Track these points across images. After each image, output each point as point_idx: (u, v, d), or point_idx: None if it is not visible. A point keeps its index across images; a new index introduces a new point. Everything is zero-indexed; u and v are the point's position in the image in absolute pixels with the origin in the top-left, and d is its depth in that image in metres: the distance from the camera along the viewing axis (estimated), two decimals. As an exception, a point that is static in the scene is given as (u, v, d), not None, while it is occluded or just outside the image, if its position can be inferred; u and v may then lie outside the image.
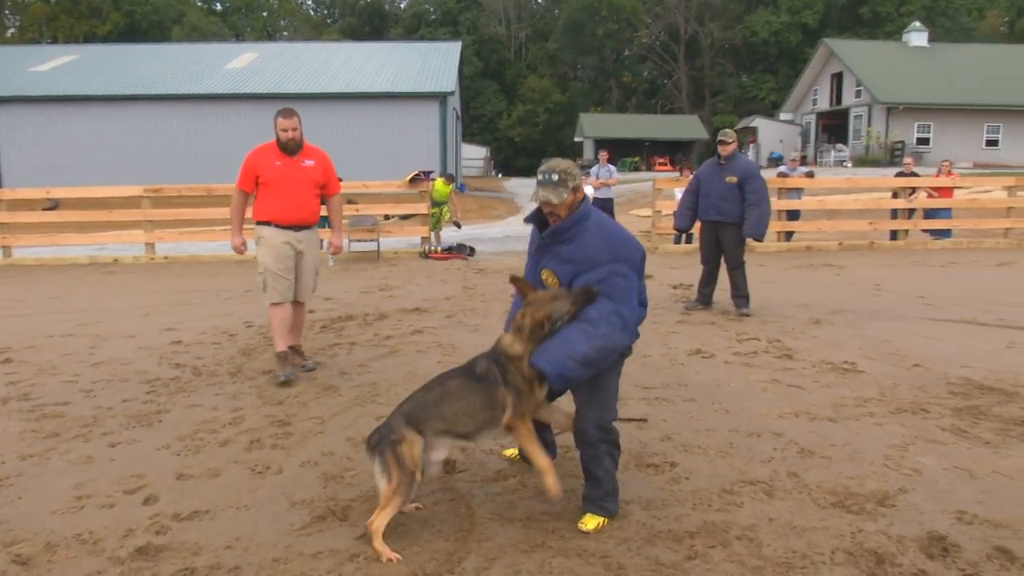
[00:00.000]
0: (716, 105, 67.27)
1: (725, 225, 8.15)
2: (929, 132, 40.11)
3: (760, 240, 8.45)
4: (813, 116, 48.01)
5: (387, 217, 16.22)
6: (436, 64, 34.79)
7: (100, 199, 15.41)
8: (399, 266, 12.96)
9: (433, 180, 15.53)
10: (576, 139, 60.07)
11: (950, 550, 3.06)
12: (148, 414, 4.98)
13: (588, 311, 3.25)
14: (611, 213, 14.07)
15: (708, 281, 8.53)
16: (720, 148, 8.13)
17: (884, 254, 13.77)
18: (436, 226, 15.31)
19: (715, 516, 3.41)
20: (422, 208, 14.70)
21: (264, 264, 5.89)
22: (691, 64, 68.97)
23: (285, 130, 5.81)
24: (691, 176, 9.01)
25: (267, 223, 5.89)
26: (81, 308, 9.07)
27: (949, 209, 15.20)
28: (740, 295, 8.22)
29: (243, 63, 35.16)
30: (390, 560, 3.04)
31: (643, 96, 71.88)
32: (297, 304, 6.12)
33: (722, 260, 8.38)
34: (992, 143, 40.36)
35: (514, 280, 3.51)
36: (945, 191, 15.00)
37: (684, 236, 13.38)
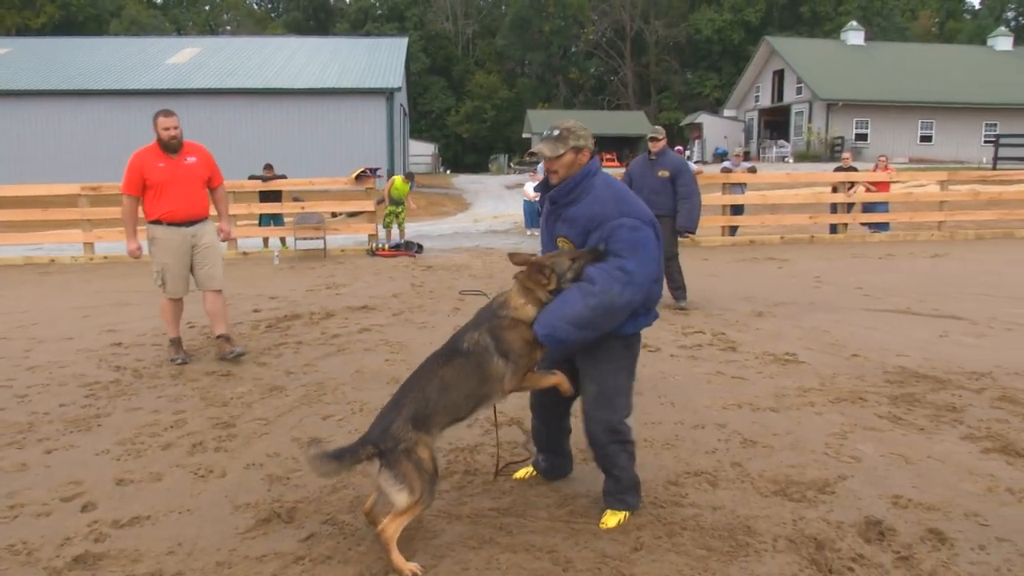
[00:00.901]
0: (662, 101, 67.98)
1: (658, 218, 8.25)
2: (867, 128, 41.17)
3: (693, 232, 8.60)
4: (756, 112, 48.88)
5: (334, 214, 16.08)
6: (383, 60, 34.49)
7: (36, 197, 14.93)
8: (346, 264, 12.83)
9: (382, 178, 15.49)
10: (524, 135, 60.05)
11: (886, 534, 3.16)
12: (86, 418, 4.84)
13: (589, 270, 3.11)
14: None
15: None
16: (651, 144, 8.37)
17: (824, 247, 14.11)
18: (390, 224, 15.34)
19: (661, 508, 3.46)
20: (369, 205, 14.59)
21: (160, 263, 6.11)
22: (637, 61, 69.57)
23: (167, 128, 5.98)
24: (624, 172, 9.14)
25: (159, 222, 6.07)
26: (16, 310, 8.78)
27: (886, 203, 15.64)
28: (676, 287, 8.36)
29: (184, 58, 34.35)
30: (414, 574, 2.88)
31: (590, 92, 72.26)
32: (214, 293, 6.29)
33: None
34: (926, 139, 41.62)
35: (512, 256, 3.34)
36: (882, 185, 15.42)
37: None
